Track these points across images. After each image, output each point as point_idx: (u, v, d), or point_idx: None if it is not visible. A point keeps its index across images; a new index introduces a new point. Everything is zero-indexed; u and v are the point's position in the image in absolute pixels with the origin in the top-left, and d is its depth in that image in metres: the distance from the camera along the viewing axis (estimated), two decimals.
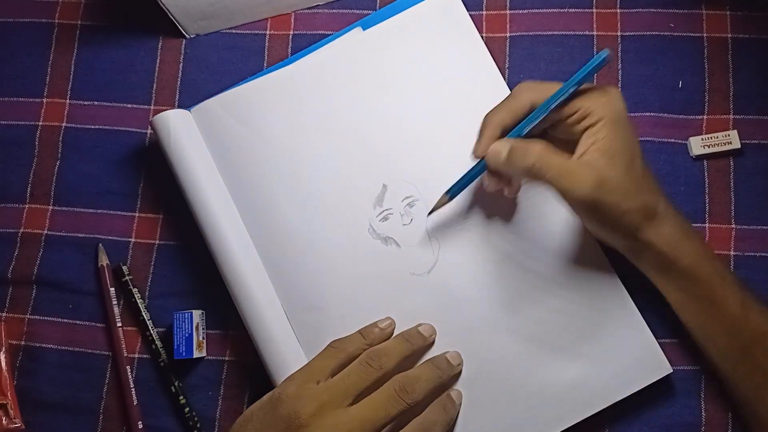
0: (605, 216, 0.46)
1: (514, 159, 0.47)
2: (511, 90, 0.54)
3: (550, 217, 0.52)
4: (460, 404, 0.50)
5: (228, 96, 0.56)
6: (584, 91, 0.48)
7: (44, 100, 0.59)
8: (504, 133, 0.50)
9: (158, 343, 0.55)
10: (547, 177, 0.46)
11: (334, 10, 0.59)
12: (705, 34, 0.56)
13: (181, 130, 0.54)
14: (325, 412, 0.45)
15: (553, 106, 0.47)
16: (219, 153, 0.55)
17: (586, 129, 0.47)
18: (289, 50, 0.59)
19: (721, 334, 0.48)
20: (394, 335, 0.51)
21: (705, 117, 0.55)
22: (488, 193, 0.52)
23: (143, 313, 0.55)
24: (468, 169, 0.50)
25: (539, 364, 0.50)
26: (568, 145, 0.48)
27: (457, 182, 0.51)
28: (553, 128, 0.50)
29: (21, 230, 0.58)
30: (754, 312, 0.48)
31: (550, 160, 0.46)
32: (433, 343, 0.51)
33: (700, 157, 0.55)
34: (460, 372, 0.51)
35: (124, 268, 0.56)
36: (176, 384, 0.54)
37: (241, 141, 0.55)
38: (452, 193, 0.51)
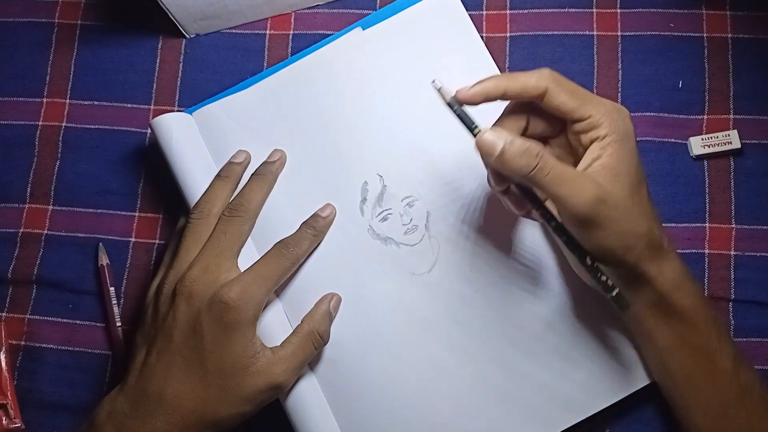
0: (604, 235, 0.42)
1: (509, 157, 0.41)
2: None
3: None
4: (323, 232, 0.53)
5: (230, 100, 0.56)
6: (595, 100, 0.44)
7: (44, 100, 0.59)
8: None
9: None
10: (545, 181, 0.41)
11: (334, 10, 0.59)
12: (705, 34, 0.56)
13: (183, 133, 0.54)
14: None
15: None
16: (221, 157, 0.55)
17: (592, 141, 0.44)
18: (289, 50, 0.59)
19: (708, 387, 0.45)
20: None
21: (705, 117, 0.55)
22: (489, 193, 0.52)
23: None
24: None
25: (539, 365, 0.50)
26: (566, 157, 0.46)
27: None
28: (554, 134, 0.46)
29: (21, 230, 0.58)
30: (743, 369, 0.46)
31: (552, 164, 0.41)
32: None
33: (700, 157, 0.55)
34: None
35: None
36: None
37: (243, 145, 0.55)
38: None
